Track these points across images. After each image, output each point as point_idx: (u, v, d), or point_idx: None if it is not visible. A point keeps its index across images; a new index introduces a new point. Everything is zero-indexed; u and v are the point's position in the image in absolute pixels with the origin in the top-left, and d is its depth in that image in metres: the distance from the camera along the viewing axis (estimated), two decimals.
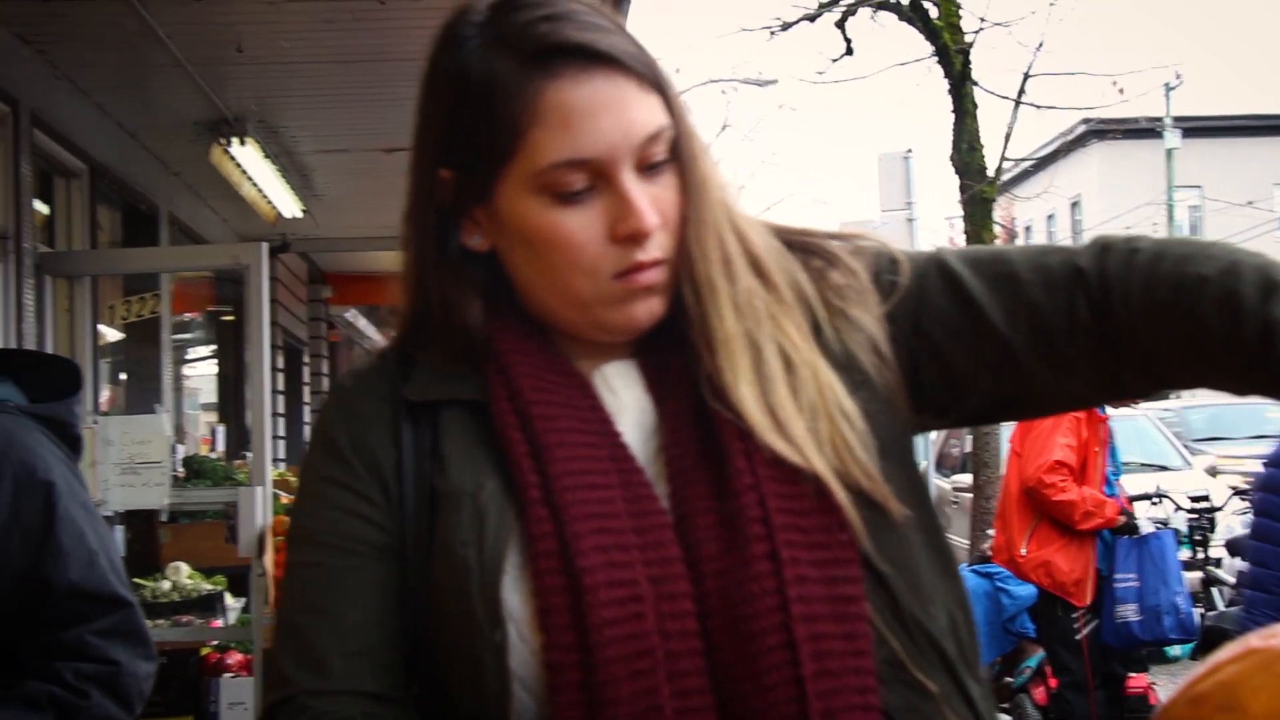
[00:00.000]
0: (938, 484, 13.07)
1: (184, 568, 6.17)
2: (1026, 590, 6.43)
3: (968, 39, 10.85)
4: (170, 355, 8.68)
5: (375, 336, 17.64)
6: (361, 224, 10.98)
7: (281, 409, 12.25)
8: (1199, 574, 7.78)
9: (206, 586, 6.11)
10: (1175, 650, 7.42)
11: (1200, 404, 17.06)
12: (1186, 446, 13.29)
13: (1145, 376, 1.29)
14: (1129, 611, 6.20)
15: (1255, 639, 1.08)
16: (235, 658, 5.92)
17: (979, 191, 10.65)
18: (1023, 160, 20.52)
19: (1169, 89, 28.48)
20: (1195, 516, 7.83)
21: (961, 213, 10.99)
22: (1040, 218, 37.41)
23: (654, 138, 1.26)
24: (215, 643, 6.03)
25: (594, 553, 1.19)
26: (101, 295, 7.52)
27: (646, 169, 1.27)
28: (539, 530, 1.21)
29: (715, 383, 1.27)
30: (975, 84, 10.88)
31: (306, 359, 14.12)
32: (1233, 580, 7.81)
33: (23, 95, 6.16)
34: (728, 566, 1.20)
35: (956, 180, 10.90)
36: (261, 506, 5.42)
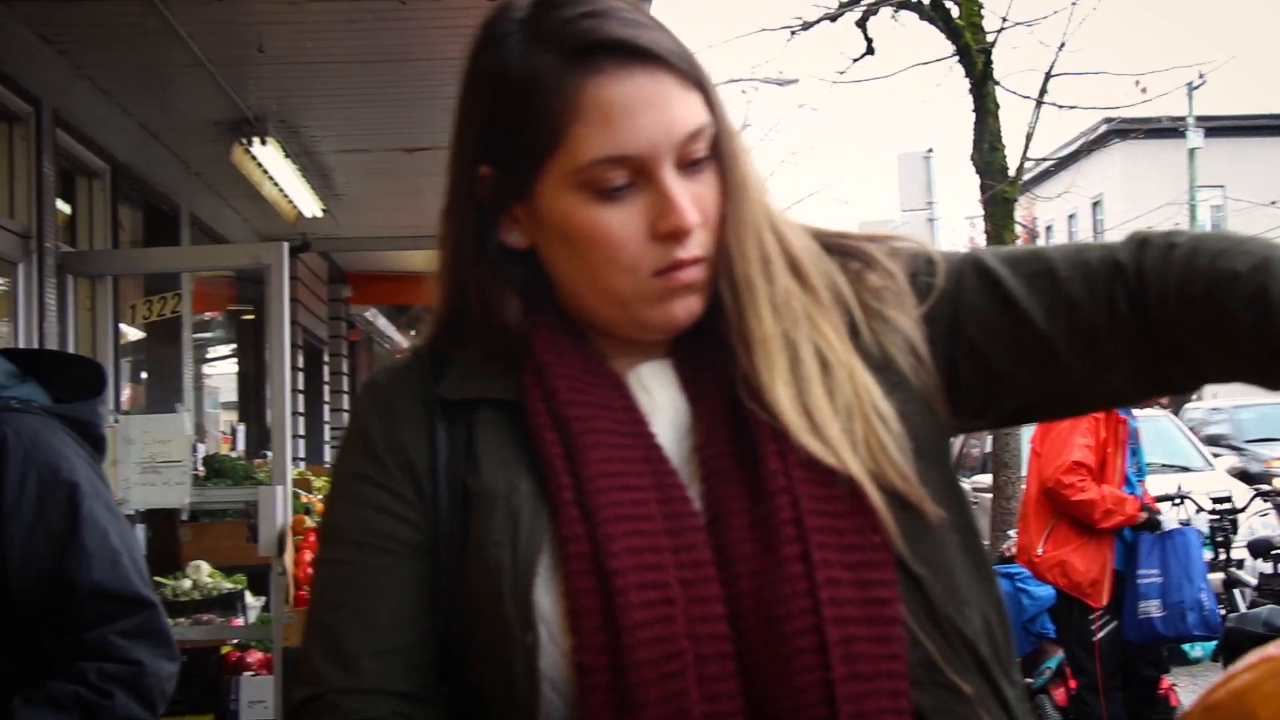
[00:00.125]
0: None
1: (204, 566, 6.19)
2: (1046, 591, 6.42)
3: (989, 38, 10.82)
4: (191, 354, 8.70)
5: (395, 336, 17.68)
6: (382, 223, 11.00)
7: (301, 408, 12.28)
8: (1220, 575, 7.73)
9: (227, 585, 6.12)
10: (1196, 651, 7.39)
11: (1252, 403, 16.90)
12: (1238, 447, 13.19)
13: (1183, 371, 1.28)
14: (1152, 607, 6.17)
15: (1274, 646, 1.08)
16: (255, 656, 5.93)
17: (1000, 191, 10.62)
18: (1044, 160, 20.47)
19: (1191, 88, 28.34)
20: (1217, 518, 7.78)
21: (982, 212, 10.96)
22: (1061, 218, 37.31)
23: (695, 135, 1.26)
24: (235, 641, 6.05)
25: (626, 554, 1.19)
26: (123, 294, 7.54)
27: (687, 166, 1.26)
28: (571, 532, 1.21)
29: (751, 382, 1.26)
30: (997, 83, 10.85)
31: (326, 358, 14.16)
32: (1254, 582, 7.77)
33: (45, 95, 6.18)
34: (761, 568, 1.19)
35: (977, 180, 10.87)
36: (282, 505, 5.43)
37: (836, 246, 1.38)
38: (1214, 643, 6.86)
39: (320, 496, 7.18)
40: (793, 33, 12.05)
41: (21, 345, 5.84)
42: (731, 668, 1.17)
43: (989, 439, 10.47)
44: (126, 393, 8.07)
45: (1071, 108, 12.26)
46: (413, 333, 17.44)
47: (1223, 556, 7.77)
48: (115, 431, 5.39)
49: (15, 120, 6.07)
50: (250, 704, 5.64)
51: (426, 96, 7.19)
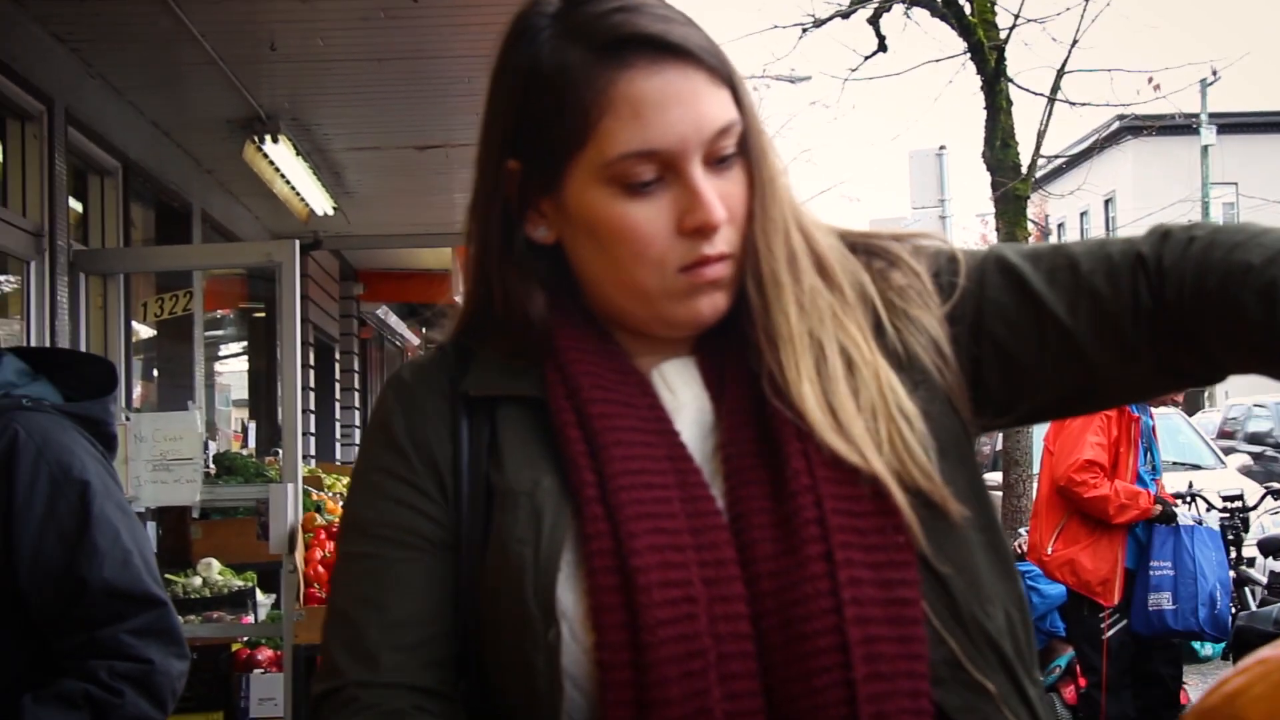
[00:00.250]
0: None
1: (215, 564, 6.20)
2: (1057, 589, 6.41)
3: (1002, 35, 10.79)
4: (202, 352, 8.72)
5: (406, 334, 17.70)
6: (393, 221, 11.01)
7: (313, 406, 12.30)
8: (1231, 574, 7.73)
9: (237, 583, 6.13)
10: (1207, 650, 7.38)
11: None
12: None
13: (1201, 362, 1.28)
14: (1163, 600, 6.16)
15: (1268, 649, 1.08)
16: (265, 654, 5.94)
17: (1012, 188, 10.59)
18: (1056, 157, 20.40)
19: (1205, 85, 28.28)
20: (1228, 516, 7.78)
21: (994, 210, 10.93)
22: (1074, 215, 37.23)
23: (724, 131, 1.26)
24: (246, 639, 6.06)
25: (648, 552, 1.19)
26: (135, 292, 7.56)
27: (715, 163, 1.27)
28: (594, 529, 1.21)
29: (776, 380, 1.27)
30: (1009, 80, 10.82)
31: (338, 356, 14.17)
32: (1265, 580, 7.76)
33: (57, 93, 6.19)
34: (783, 567, 1.19)
35: (989, 177, 10.85)
36: (292, 503, 5.43)
37: (861, 246, 1.38)
38: (1224, 641, 6.85)
39: (331, 494, 7.19)
40: (805, 30, 12.03)
41: (33, 343, 5.86)
42: (753, 667, 1.18)
43: (999, 437, 10.45)
44: (138, 390, 8.09)
45: (1084, 105, 12.22)
46: (425, 330, 17.48)
47: (1233, 555, 7.77)
48: (126, 429, 5.39)
49: (28, 118, 6.09)
50: (260, 701, 5.64)
51: (439, 95, 7.20)
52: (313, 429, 12.36)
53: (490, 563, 1.27)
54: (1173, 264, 1.25)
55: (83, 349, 6.26)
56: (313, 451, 12.10)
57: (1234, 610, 7.30)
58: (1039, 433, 10.19)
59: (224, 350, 12.00)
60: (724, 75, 1.28)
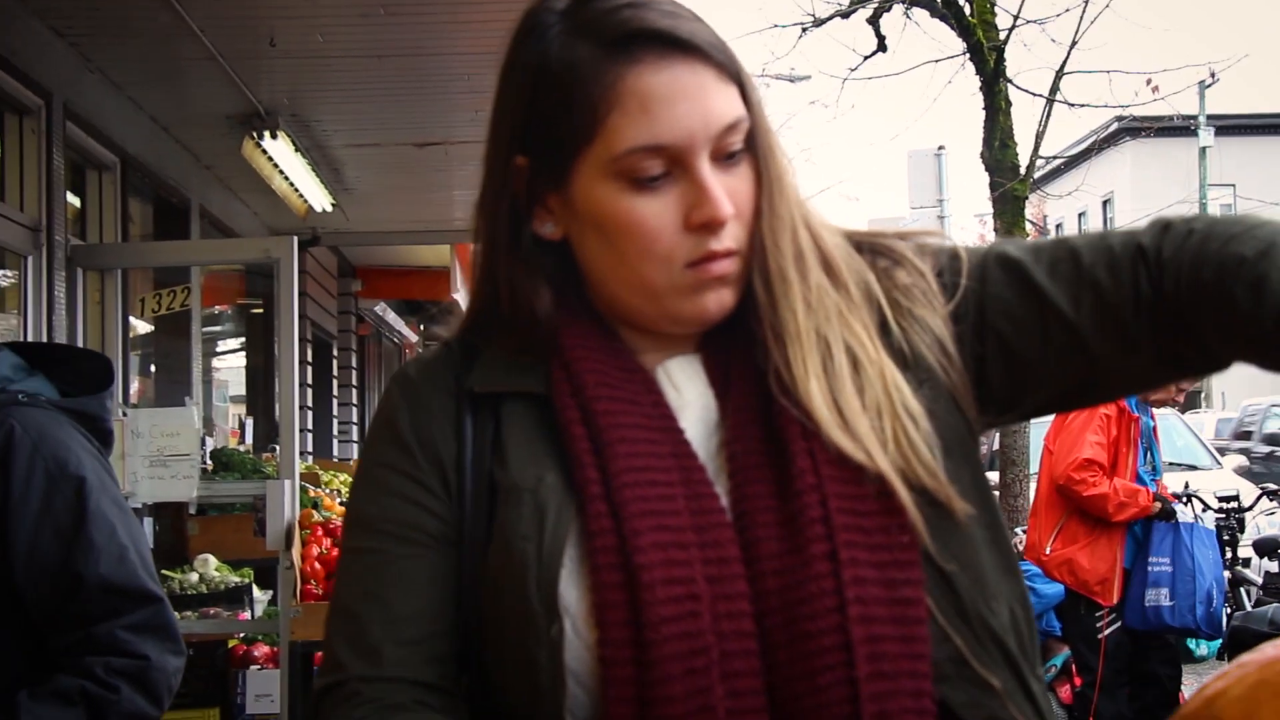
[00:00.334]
0: None
1: (212, 560, 6.19)
2: (1054, 589, 6.42)
3: (1001, 36, 10.80)
4: (200, 348, 8.70)
5: (405, 330, 17.69)
6: (392, 218, 11.01)
7: (310, 402, 12.28)
8: (1227, 574, 7.74)
9: (234, 579, 6.12)
10: (1202, 650, 7.39)
11: None
12: None
13: (1202, 353, 1.28)
14: (1161, 596, 6.16)
15: (1252, 653, 1.10)
16: (262, 650, 5.94)
17: (1011, 189, 10.60)
18: (1055, 158, 20.42)
19: (1203, 87, 28.26)
20: (1224, 516, 7.79)
21: (992, 210, 10.93)
22: (1072, 216, 37.24)
23: (731, 127, 1.27)
24: (242, 635, 6.05)
25: (652, 550, 1.20)
26: (132, 288, 7.55)
27: (722, 159, 1.27)
28: (598, 526, 1.22)
29: (783, 377, 1.27)
30: (1008, 81, 10.82)
31: (335, 352, 14.15)
32: (1260, 580, 7.77)
33: (55, 88, 6.19)
34: (787, 566, 1.20)
35: (987, 177, 10.85)
36: (289, 499, 5.43)
37: (866, 245, 1.39)
38: (1218, 640, 6.86)
39: (328, 491, 7.19)
40: (804, 29, 12.03)
41: (30, 338, 5.85)
42: (756, 665, 1.18)
43: (996, 436, 10.46)
44: (135, 386, 8.08)
45: (1083, 106, 12.23)
46: (423, 327, 17.48)
47: (1229, 555, 7.77)
48: (123, 424, 5.39)
49: (26, 113, 6.08)
50: (257, 697, 5.64)
51: (438, 91, 7.20)
52: (310, 425, 12.34)
53: (493, 559, 1.27)
54: (1171, 256, 1.26)
55: (80, 344, 6.25)
56: (310, 448, 12.09)
57: (1229, 610, 7.31)
58: (1035, 433, 10.20)
59: (222, 346, 11.99)
60: (732, 72, 1.28)
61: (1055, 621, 6.60)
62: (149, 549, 2.47)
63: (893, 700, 1.16)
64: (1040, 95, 11.29)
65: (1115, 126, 29.35)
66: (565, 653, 1.20)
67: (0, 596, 2.26)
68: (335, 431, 14.03)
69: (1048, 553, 6.27)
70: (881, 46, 11.79)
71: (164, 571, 5.77)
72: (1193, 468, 11.49)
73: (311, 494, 6.66)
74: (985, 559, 1.27)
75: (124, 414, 5.56)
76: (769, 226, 1.29)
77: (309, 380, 12.06)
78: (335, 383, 14.20)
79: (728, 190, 1.27)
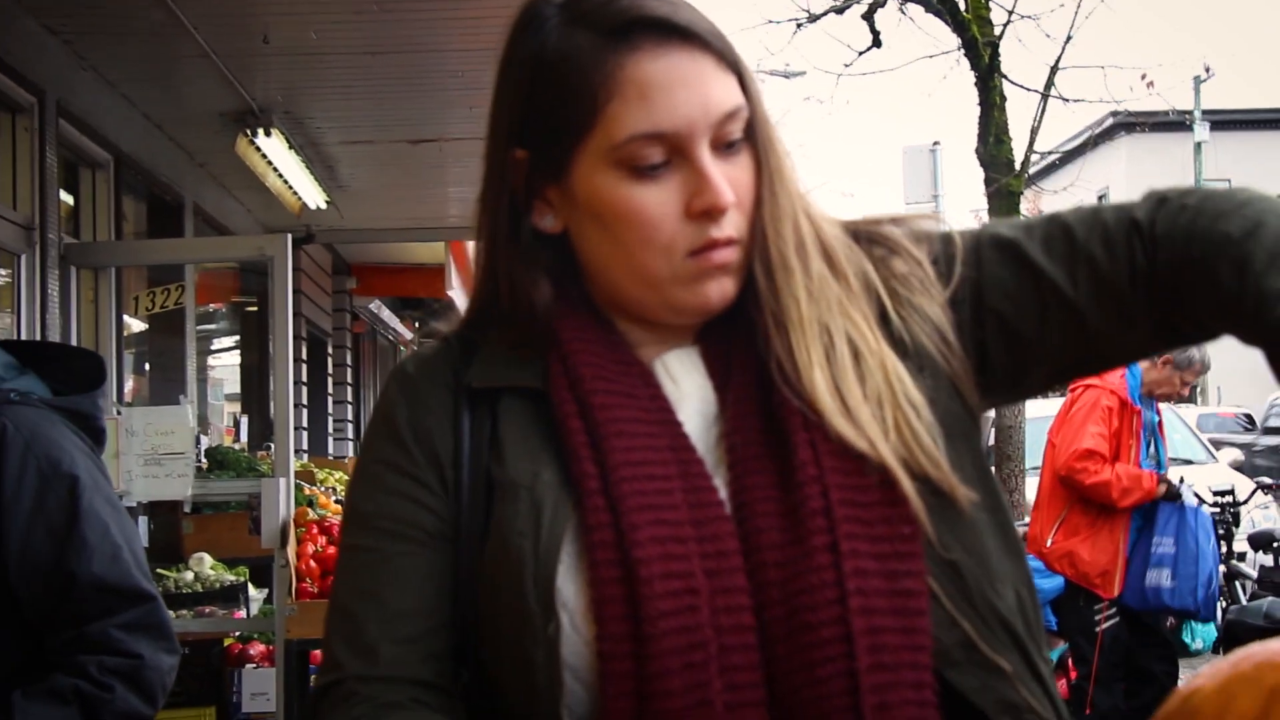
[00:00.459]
0: None
1: (207, 558, 6.18)
2: (1050, 583, 6.42)
3: (996, 31, 10.80)
4: (194, 346, 8.69)
5: (399, 328, 17.68)
6: (386, 215, 11.00)
7: (305, 400, 12.27)
8: (1222, 568, 7.75)
9: (229, 577, 6.12)
10: (1197, 644, 7.39)
11: None
12: None
13: (1196, 326, 1.30)
14: (1163, 577, 6.16)
15: (1223, 658, 1.11)
16: (258, 648, 5.93)
17: (1006, 184, 10.61)
18: (1050, 153, 20.44)
19: (1198, 82, 28.34)
20: (1219, 510, 7.79)
21: (987, 206, 10.94)
22: None
23: (731, 115, 1.27)
24: (238, 634, 6.04)
25: (650, 544, 1.19)
26: (126, 286, 7.54)
27: (722, 148, 1.27)
28: (596, 520, 1.21)
29: (786, 366, 1.27)
30: (1003, 77, 10.83)
31: (330, 350, 14.15)
32: (1255, 574, 7.78)
33: (49, 86, 6.17)
34: (789, 557, 1.20)
35: (982, 173, 10.86)
36: (284, 498, 5.42)
37: (864, 234, 1.38)
38: (1214, 634, 6.86)
39: (323, 489, 7.18)
40: (799, 25, 12.04)
41: (24, 336, 5.84)
42: (755, 658, 1.18)
43: (992, 432, 10.47)
44: (130, 384, 8.07)
45: (1078, 101, 12.25)
46: (418, 325, 17.46)
47: (1224, 549, 7.79)
48: (118, 423, 5.38)
49: (19, 111, 6.07)
50: (252, 696, 5.63)
51: (433, 88, 7.19)
52: (305, 423, 12.33)
53: (490, 556, 1.27)
54: (1165, 231, 1.27)
55: (73, 343, 6.24)
56: (305, 446, 12.08)
57: (1223, 605, 7.32)
58: (1031, 428, 10.22)
59: (216, 344, 11.98)
60: (730, 61, 1.28)
61: (1051, 616, 6.60)
62: (142, 547, 2.46)
63: (893, 691, 1.16)
64: (1035, 91, 11.32)
65: (1110, 122, 29.39)
66: (563, 648, 1.20)
67: None
68: (330, 429, 14.03)
69: (1049, 545, 6.28)
70: (876, 42, 11.79)
71: (159, 570, 5.76)
72: (1188, 462, 11.49)
73: (306, 492, 6.66)
74: (989, 543, 1.27)
75: (118, 412, 5.55)
76: (770, 215, 1.29)
77: (304, 378, 12.06)
78: (330, 380, 14.20)
79: (728, 179, 1.26)
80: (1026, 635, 1.26)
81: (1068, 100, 11.99)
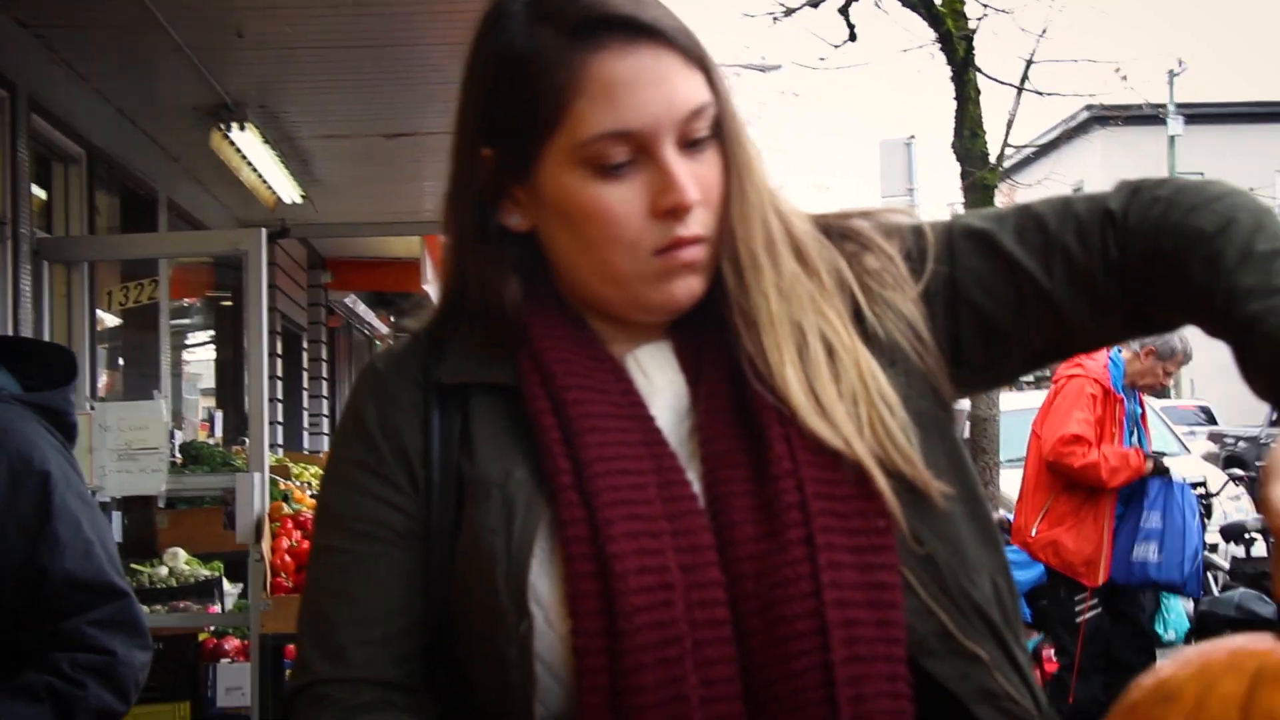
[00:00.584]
0: None
1: (181, 553, 6.16)
2: (1025, 575, 6.45)
3: (971, 25, 10.83)
4: (168, 341, 8.66)
5: (375, 322, 17.64)
6: (361, 209, 10.97)
7: (280, 395, 12.24)
8: None
9: (204, 572, 6.10)
10: (1169, 634, 7.43)
11: None
12: None
13: (1166, 316, 1.31)
14: (1150, 551, 6.19)
15: (1191, 649, 1.12)
16: (232, 643, 5.91)
17: (981, 178, 10.64)
18: (1025, 147, 20.51)
19: (1172, 76, 28.46)
20: None
21: (963, 199, 10.98)
22: None
23: (697, 113, 1.26)
24: (212, 628, 6.03)
25: (625, 539, 1.19)
26: (100, 281, 7.50)
27: (688, 145, 1.27)
28: (570, 515, 1.21)
29: (758, 364, 1.27)
30: (978, 70, 10.87)
31: (305, 345, 14.11)
32: (1228, 565, 7.82)
33: (21, 79, 6.14)
34: (764, 550, 1.20)
35: (958, 167, 10.89)
36: (259, 492, 5.41)
37: (835, 229, 1.38)
38: (1187, 625, 6.90)
39: (299, 483, 7.16)
40: (775, 19, 12.06)
41: None
42: (731, 652, 1.18)
43: (967, 426, 10.51)
44: (103, 379, 8.04)
45: (1052, 95, 12.34)
46: (393, 319, 17.43)
47: None
48: (91, 418, 5.36)
49: None
50: (227, 691, 5.62)
51: (407, 82, 7.17)
52: (280, 418, 12.30)
53: (461, 554, 1.27)
54: (1138, 222, 1.28)
55: (46, 338, 6.21)
56: (280, 440, 12.05)
57: (1196, 597, 7.36)
58: (1006, 421, 10.26)
59: (191, 339, 11.94)
60: (697, 58, 1.28)
61: (1026, 609, 6.62)
62: (115, 543, 2.45)
63: (868, 684, 1.17)
64: (1010, 84, 11.35)
65: (1085, 116, 29.52)
66: (537, 643, 1.20)
67: None
68: (306, 424, 13.99)
69: (1034, 535, 6.31)
70: (852, 36, 11.82)
71: (133, 565, 5.75)
72: (1161, 454, 11.55)
73: (282, 487, 6.63)
74: (965, 533, 1.27)
75: (91, 408, 5.53)
76: (738, 213, 1.29)
77: (279, 373, 12.02)
78: (305, 375, 14.16)
79: (694, 176, 1.26)
80: (1003, 624, 1.26)
81: (1042, 94, 12.06)
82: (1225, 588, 7.49)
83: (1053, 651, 6.49)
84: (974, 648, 1.23)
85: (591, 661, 1.17)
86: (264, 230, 5.82)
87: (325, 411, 14.54)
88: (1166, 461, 6.65)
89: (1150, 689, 1.08)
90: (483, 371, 1.34)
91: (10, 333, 5.83)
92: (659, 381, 1.33)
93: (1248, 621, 6.10)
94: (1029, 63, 11.41)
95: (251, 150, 7.78)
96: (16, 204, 6.03)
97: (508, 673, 1.21)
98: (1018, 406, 11.29)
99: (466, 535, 1.26)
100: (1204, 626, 6.37)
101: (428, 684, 1.31)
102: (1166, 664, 1.10)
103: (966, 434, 10.57)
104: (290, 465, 7.84)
